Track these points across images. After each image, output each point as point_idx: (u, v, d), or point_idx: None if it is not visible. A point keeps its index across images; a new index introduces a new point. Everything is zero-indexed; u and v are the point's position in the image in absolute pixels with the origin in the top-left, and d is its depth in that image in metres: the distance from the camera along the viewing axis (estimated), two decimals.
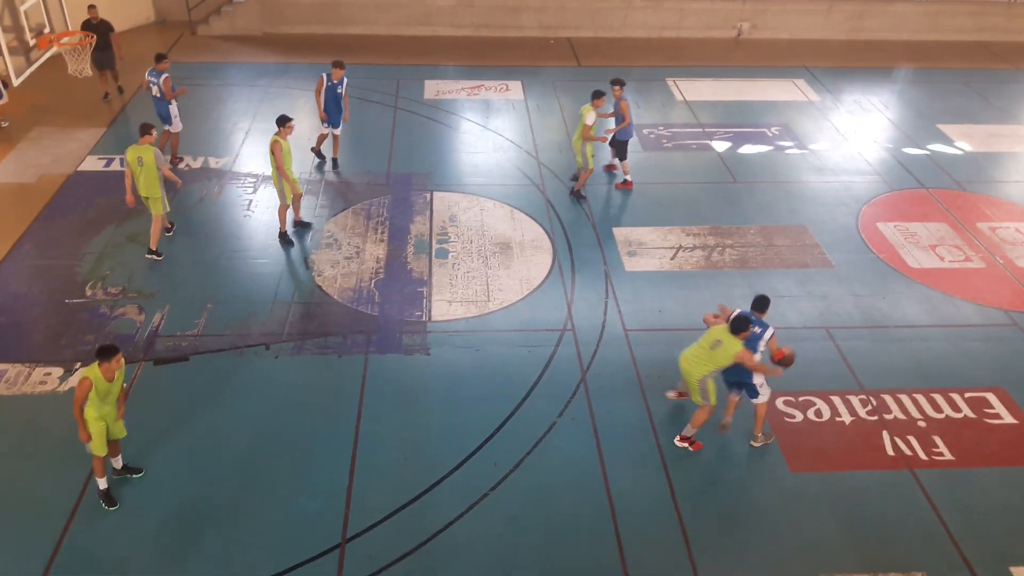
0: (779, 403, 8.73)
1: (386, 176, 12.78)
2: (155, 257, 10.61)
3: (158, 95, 12.33)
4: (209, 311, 9.73)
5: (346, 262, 10.75)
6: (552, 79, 16.46)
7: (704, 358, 7.61)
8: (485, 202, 12.24)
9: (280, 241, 11.07)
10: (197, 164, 12.82)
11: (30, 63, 11.06)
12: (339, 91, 12.29)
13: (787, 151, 14.23)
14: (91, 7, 13.06)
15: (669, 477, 7.83)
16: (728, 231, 11.75)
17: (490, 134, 14.42)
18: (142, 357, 8.99)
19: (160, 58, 12.27)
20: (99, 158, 12.99)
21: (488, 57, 17.69)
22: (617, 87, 12.24)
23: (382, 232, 11.41)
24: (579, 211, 12.08)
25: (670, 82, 16.82)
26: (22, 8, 10.81)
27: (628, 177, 12.75)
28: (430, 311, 9.91)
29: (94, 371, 6.82)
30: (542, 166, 13.34)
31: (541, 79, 15.95)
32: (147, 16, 18.57)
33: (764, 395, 7.90)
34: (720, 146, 14.30)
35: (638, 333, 9.71)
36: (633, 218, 12.01)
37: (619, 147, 12.60)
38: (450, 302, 10.08)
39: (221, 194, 12.17)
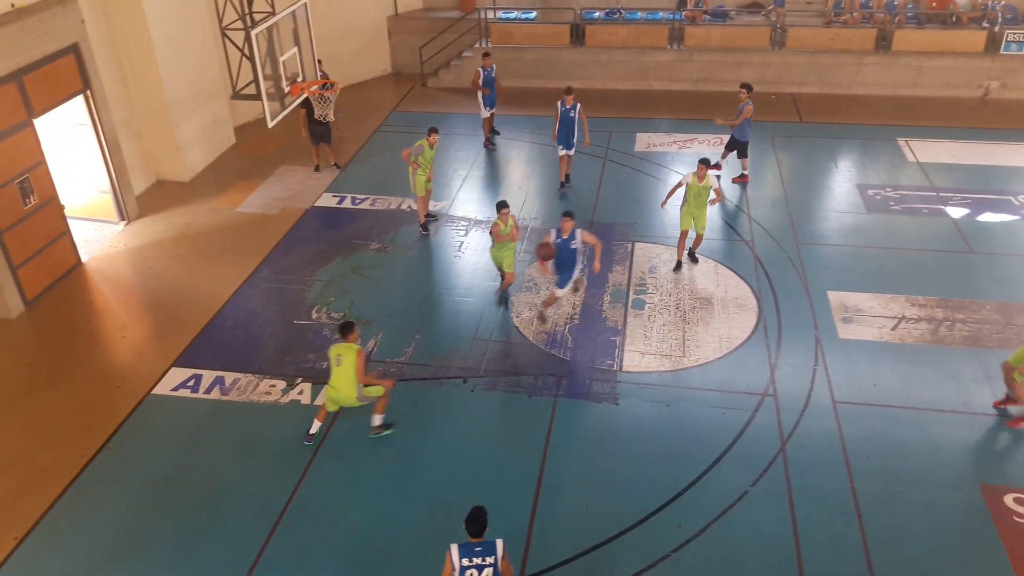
0: (1009, 500, 7.65)
1: (589, 225, 12.93)
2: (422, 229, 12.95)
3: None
4: (417, 341, 10.30)
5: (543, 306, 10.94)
6: (771, 134, 15.91)
7: None
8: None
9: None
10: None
11: (284, 107, 12.49)
12: (572, 115, 13.40)
13: None
14: (323, 73, 14.62)
15: (871, 568, 7.07)
16: (960, 304, 10.60)
17: None
18: None
19: (485, 55, 15.55)
20: (333, 195, 14.33)
21: (704, 111, 17.47)
22: (743, 91, 13.68)
23: (580, 279, 11.51)
24: (790, 270, 11.47)
25: (901, 142, 15.64)
26: (281, 59, 12.29)
27: (746, 172, 14.17)
28: (622, 361, 9.80)
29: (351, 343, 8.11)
30: (753, 222, 12.88)
31: (760, 134, 15.42)
32: (384, 68, 20.51)
33: (561, 292, 10.28)
34: (956, 212, 13.01)
35: (849, 406, 8.96)
36: (851, 282, 11.20)
37: (739, 147, 13.95)
38: (643, 354, 9.92)
39: (436, 235, 12.93)
